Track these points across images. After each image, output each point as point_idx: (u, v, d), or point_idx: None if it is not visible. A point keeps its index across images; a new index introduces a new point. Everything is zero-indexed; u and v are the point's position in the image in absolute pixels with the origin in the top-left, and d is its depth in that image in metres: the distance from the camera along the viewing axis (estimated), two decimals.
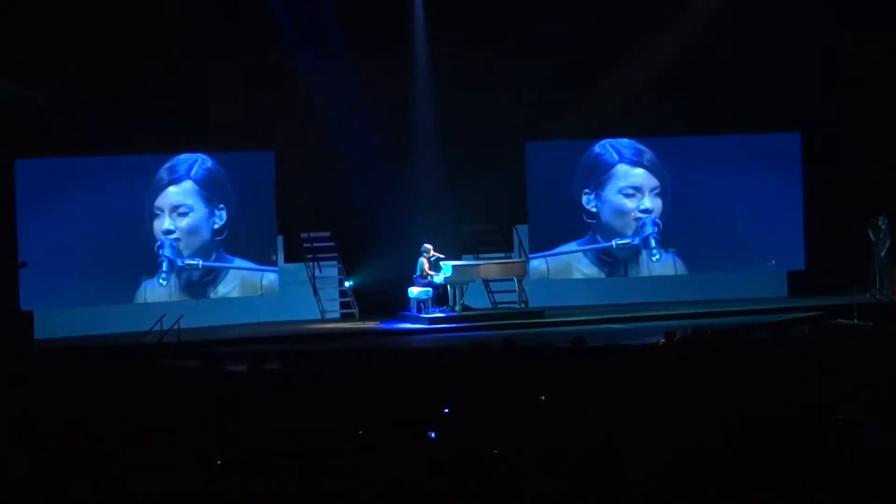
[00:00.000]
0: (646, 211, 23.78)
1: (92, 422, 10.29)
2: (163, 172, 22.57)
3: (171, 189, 22.60)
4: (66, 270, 21.81)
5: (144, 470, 8.54)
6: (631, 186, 23.86)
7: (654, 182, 23.82)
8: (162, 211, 22.52)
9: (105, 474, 8.50)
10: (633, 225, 23.84)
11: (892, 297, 22.21)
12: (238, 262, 22.91)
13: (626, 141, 23.89)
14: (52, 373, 14.59)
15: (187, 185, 22.70)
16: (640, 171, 23.86)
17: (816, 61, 23.20)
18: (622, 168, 23.86)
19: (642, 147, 23.87)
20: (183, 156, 22.62)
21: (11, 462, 8.81)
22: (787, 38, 23.06)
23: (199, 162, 22.73)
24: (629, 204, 23.86)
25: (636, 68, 23.26)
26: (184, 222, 22.64)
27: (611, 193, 23.86)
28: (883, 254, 22.81)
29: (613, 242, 23.77)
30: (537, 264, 23.63)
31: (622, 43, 23.17)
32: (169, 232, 22.51)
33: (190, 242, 22.68)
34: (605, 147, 23.87)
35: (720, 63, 23.21)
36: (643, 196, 23.81)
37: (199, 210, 22.74)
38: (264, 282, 22.99)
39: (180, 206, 22.63)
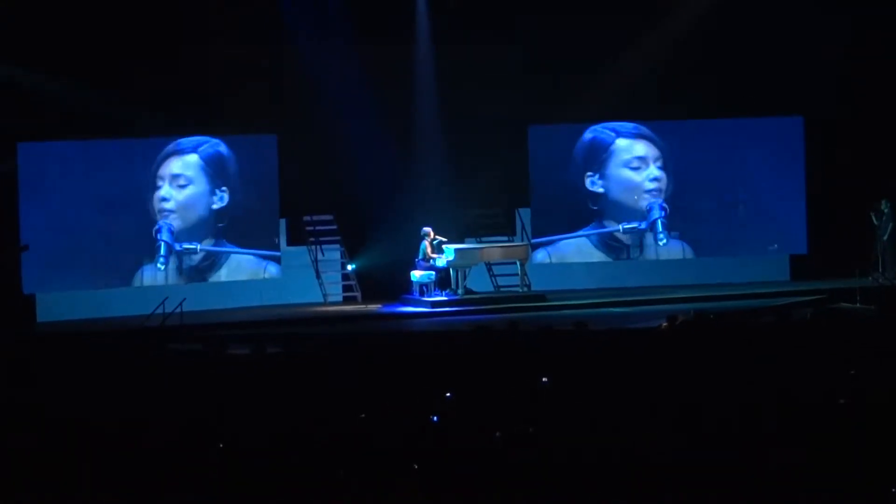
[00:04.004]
0: (655, 180, 23.65)
1: (96, 405, 10.31)
2: (170, 146, 22.50)
3: (175, 159, 22.54)
4: (68, 254, 21.81)
5: (148, 453, 8.55)
6: (635, 158, 23.76)
7: (656, 152, 23.74)
8: (162, 180, 22.44)
9: (109, 457, 8.51)
10: (646, 199, 23.70)
11: (894, 280, 22.20)
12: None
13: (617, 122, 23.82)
14: (56, 356, 14.62)
15: (192, 157, 22.62)
16: (641, 142, 23.78)
17: (819, 44, 23.12)
18: (622, 142, 23.78)
19: (636, 123, 23.78)
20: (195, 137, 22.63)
21: (16, 446, 8.82)
22: (790, 21, 22.99)
23: (211, 143, 22.69)
24: (636, 177, 23.76)
25: (639, 51, 23.21)
26: (182, 194, 22.57)
27: (615, 169, 23.76)
28: (885, 237, 22.76)
29: (620, 227, 23.72)
30: (540, 258, 23.58)
31: (626, 25, 23.11)
32: (164, 200, 22.40)
33: (186, 217, 22.56)
34: (597, 130, 23.78)
35: (723, 46, 23.14)
36: (648, 166, 23.73)
37: (200, 185, 22.65)
38: (266, 274, 22.96)
39: (180, 176, 22.54)
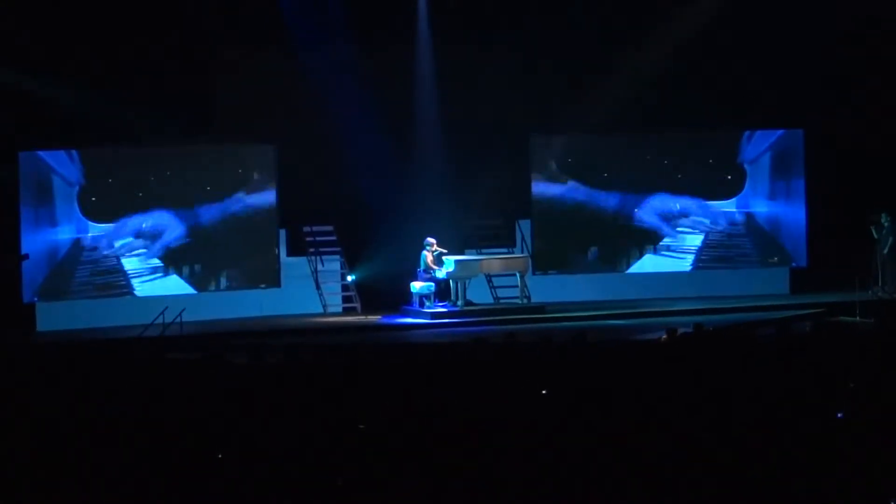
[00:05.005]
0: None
1: (95, 415, 10.30)
2: None
3: None
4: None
5: (146, 462, 8.55)
6: None
7: None
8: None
9: (108, 467, 8.52)
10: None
11: (893, 294, 22.21)
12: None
13: None
14: (55, 365, 14.60)
15: None
16: None
17: (820, 58, 23.16)
18: None
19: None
20: None
21: (14, 455, 8.82)
22: (790, 34, 23.03)
23: None
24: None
25: (640, 62, 23.25)
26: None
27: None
28: (885, 251, 22.77)
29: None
30: None
31: (626, 36, 23.16)
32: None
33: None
34: None
35: (723, 58, 23.20)
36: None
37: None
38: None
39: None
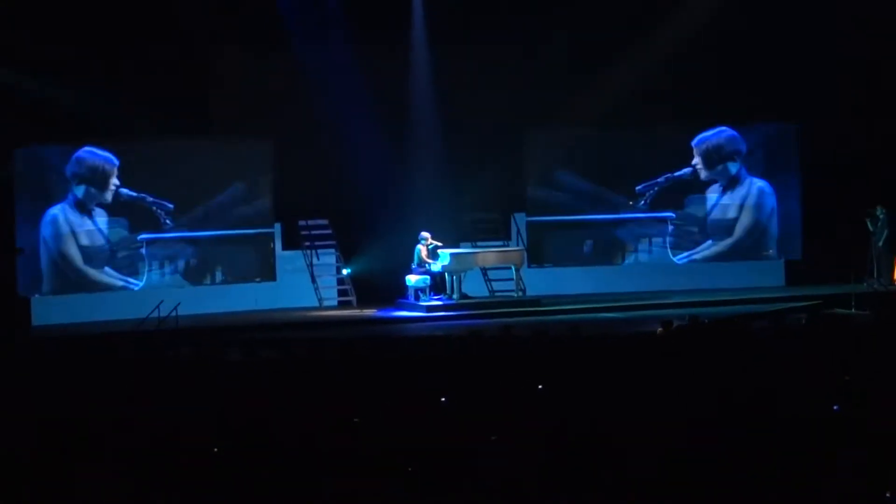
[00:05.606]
0: None
1: (91, 409, 10.30)
2: None
3: None
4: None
5: (142, 457, 8.55)
6: None
7: None
8: None
9: (104, 462, 8.51)
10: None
11: (889, 286, 22.22)
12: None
13: None
14: (50, 360, 14.61)
15: None
16: None
17: (815, 51, 23.14)
18: None
19: None
20: None
21: (12, 452, 8.82)
22: (786, 28, 23.01)
23: None
24: None
25: (636, 57, 23.22)
26: None
27: None
28: (881, 243, 22.77)
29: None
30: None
31: (623, 31, 23.12)
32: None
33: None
34: None
35: (719, 53, 23.16)
36: None
37: None
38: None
39: None
